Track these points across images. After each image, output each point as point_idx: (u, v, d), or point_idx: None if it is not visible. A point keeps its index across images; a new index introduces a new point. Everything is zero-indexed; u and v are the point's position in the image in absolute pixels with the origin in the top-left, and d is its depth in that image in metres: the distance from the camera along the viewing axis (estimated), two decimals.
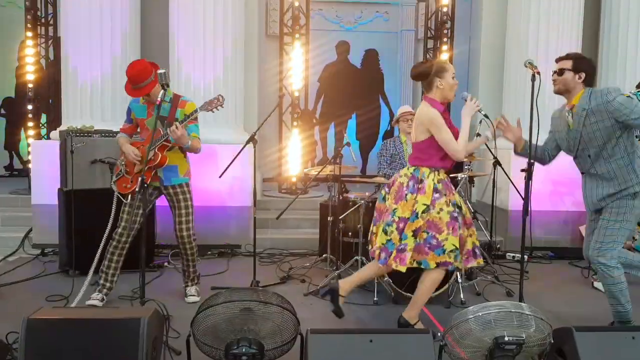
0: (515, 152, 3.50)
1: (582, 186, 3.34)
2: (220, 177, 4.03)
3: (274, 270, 4.73)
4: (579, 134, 3.18)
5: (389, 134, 8.85)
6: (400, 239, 3.12)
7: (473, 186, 4.61)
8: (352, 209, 4.38)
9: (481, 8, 6.56)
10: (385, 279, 3.89)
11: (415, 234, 3.10)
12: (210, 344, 2.44)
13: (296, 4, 6.41)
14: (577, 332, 2.52)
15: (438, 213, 3.10)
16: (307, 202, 6.41)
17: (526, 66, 3.14)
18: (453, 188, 3.27)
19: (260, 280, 4.20)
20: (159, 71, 3.27)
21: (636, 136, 3.40)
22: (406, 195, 3.13)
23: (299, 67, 6.53)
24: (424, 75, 3.19)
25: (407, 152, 4.79)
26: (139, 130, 3.80)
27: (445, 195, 3.14)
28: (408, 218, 3.10)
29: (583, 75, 3.16)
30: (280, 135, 6.90)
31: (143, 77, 3.53)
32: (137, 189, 3.23)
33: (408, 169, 3.24)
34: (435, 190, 3.12)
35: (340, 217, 4.38)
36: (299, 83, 6.57)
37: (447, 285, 3.89)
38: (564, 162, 4.93)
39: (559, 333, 2.56)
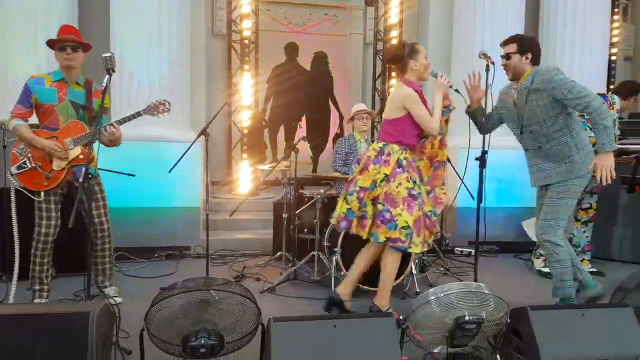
0: (467, 111, 3.62)
1: (527, 163, 3.46)
2: (170, 172, 3.88)
3: (227, 271, 4.61)
4: (522, 111, 3.30)
5: (339, 136, 8.87)
6: (360, 207, 3.22)
7: None
8: (307, 205, 4.34)
9: (428, 11, 6.71)
10: (343, 272, 3.87)
11: (373, 202, 3.21)
12: (166, 339, 2.33)
13: (244, 2, 6.33)
14: (532, 311, 2.58)
15: (397, 187, 3.17)
16: (259, 203, 6.33)
17: (480, 57, 3.22)
18: (416, 170, 3.34)
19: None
20: (105, 54, 2.92)
21: (581, 115, 3.58)
22: (370, 166, 3.23)
23: (248, 81, 6.42)
24: (397, 58, 3.32)
25: (361, 150, 4.82)
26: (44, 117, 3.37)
27: (407, 172, 3.22)
28: (368, 187, 3.21)
29: (529, 55, 3.29)
30: (229, 137, 6.77)
31: (79, 36, 3.35)
32: (80, 182, 2.93)
33: (377, 143, 3.32)
34: (399, 164, 3.21)
35: (296, 213, 4.33)
36: (248, 91, 6.45)
37: (402, 277, 3.93)
38: (507, 159, 5.13)
39: (515, 313, 2.61)
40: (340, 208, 3.32)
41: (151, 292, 3.68)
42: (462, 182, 4.98)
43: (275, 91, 8.52)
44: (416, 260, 4.17)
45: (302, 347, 2.27)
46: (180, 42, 5.28)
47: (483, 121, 3.50)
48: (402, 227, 3.13)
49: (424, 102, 3.29)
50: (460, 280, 4.33)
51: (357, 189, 3.24)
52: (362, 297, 3.67)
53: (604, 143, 3.06)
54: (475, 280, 3.30)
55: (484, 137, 3.25)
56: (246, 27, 6.31)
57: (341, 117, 8.86)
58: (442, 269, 4.68)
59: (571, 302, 3.28)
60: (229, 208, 6.24)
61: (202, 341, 2.23)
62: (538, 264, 4.82)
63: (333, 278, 3.91)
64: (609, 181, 3.03)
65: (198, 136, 3.92)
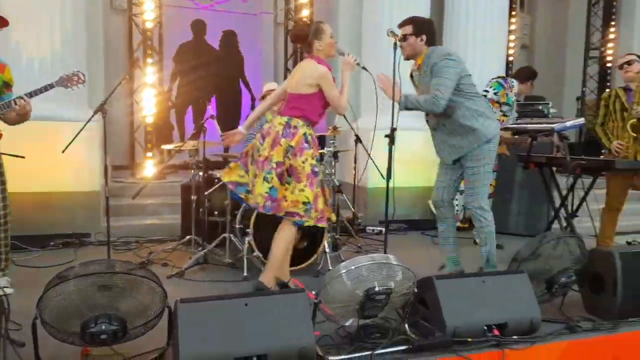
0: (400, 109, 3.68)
1: (436, 141, 3.60)
2: (63, 152, 3.57)
3: (131, 258, 4.36)
4: (422, 91, 3.42)
5: None
6: (281, 184, 3.20)
7: (337, 161, 4.70)
8: (217, 186, 4.22)
9: None
10: (255, 253, 3.81)
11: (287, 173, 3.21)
12: (63, 327, 2.15)
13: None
14: (437, 280, 2.68)
15: (303, 162, 3.18)
16: (166, 187, 6.07)
17: (389, 35, 3.26)
18: (317, 146, 3.36)
19: None
20: None
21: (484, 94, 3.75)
22: (281, 140, 3.19)
23: (151, 58, 6.09)
24: (302, 38, 3.30)
25: None
26: None
27: (312, 148, 3.24)
28: (282, 162, 3.19)
29: (424, 37, 3.42)
30: (132, 118, 6.42)
31: None
32: None
33: (281, 117, 3.27)
34: (306, 140, 3.21)
35: (205, 195, 4.20)
36: (151, 69, 6.12)
37: (315, 256, 3.94)
38: (415, 141, 5.30)
39: (421, 284, 2.70)
40: (262, 187, 3.18)
41: (46, 282, 3.43)
42: (370, 158, 5.08)
43: (182, 70, 8.20)
44: (329, 239, 4.20)
45: (212, 328, 2.19)
46: (74, 15, 4.88)
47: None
48: (303, 202, 3.15)
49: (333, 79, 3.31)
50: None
51: (274, 165, 3.18)
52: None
53: (408, 99, 3.33)
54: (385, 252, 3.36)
55: (392, 116, 3.29)
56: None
57: (253, 99, 8.70)
58: (354, 247, 4.75)
59: (494, 268, 3.47)
60: (132, 193, 5.94)
61: (103, 327, 2.09)
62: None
63: (245, 260, 3.84)
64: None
65: (95, 113, 3.63)
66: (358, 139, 5.01)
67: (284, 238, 3.28)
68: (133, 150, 6.50)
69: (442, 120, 3.45)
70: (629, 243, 4.80)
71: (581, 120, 4.05)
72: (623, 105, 4.09)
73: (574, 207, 4.22)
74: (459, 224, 5.77)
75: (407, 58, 3.48)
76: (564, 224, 4.23)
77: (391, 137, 3.21)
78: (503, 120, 4.72)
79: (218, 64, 8.33)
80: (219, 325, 2.21)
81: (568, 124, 3.88)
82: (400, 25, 3.49)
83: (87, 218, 4.95)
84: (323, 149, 4.72)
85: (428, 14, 5.98)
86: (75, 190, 4.88)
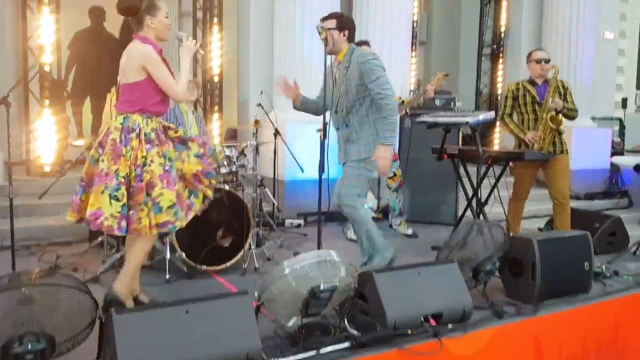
0: (295, 107, 3.70)
1: (338, 140, 3.60)
2: None
3: (36, 263, 3.99)
4: (340, 88, 3.44)
5: None
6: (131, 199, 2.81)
7: (258, 155, 4.60)
8: None
9: None
10: (178, 253, 3.63)
11: (147, 191, 2.80)
12: None
13: None
14: (377, 273, 2.71)
15: (149, 166, 2.81)
16: (68, 185, 5.55)
17: (318, 29, 3.24)
18: (166, 139, 2.96)
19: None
20: None
21: None
22: (122, 150, 2.80)
23: (49, 32, 5.58)
24: (133, 10, 2.86)
25: (189, 121, 4.56)
26: None
27: (157, 145, 2.87)
28: (128, 175, 2.79)
29: (347, 32, 3.45)
30: (26, 112, 5.83)
31: None
32: None
33: (117, 119, 2.88)
34: (147, 139, 2.84)
35: None
36: (49, 53, 5.59)
37: (240, 254, 3.84)
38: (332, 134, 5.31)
39: (360, 278, 2.71)
40: (112, 208, 2.74)
41: None
42: (291, 153, 5.06)
43: (78, 58, 7.59)
44: (253, 235, 4.11)
45: (152, 339, 2.04)
46: None
47: (312, 108, 3.68)
48: (168, 207, 2.81)
49: (165, 61, 2.93)
50: (296, 252, 4.39)
51: (122, 180, 2.77)
52: (203, 277, 3.49)
53: (385, 136, 3.34)
54: (319, 247, 3.33)
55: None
56: None
57: None
58: (277, 241, 4.69)
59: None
60: (28, 191, 5.42)
61: (29, 346, 1.86)
62: (350, 234, 5.13)
63: (167, 261, 3.64)
64: (386, 174, 3.32)
65: None
66: (277, 132, 4.94)
67: (144, 248, 2.99)
68: (28, 143, 5.91)
69: (349, 121, 3.47)
70: (540, 229, 5.13)
71: (492, 113, 4.28)
72: (534, 98, 4.35)
73: (485, 196, 4.46)
74: (374, 214, 5.92)
75: (330, 52, 3.46)
76: (476, 212, 4.46)
77: (324, 131, 3.17)
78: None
79: (118, 53, 7.79)
80: (159, 335, 2.07)
81: (481, 117, 4.09)
82: (324, 19, 3.49)
83: None
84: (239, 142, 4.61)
85: (338, 7, 6.04)
86: None
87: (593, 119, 8.07)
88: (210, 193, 3.11)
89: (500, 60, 8.82)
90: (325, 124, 3.18)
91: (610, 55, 9.46)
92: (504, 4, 8.69)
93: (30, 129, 5.84)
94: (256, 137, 4.51)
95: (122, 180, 2.77)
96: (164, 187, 2.81)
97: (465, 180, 4.60)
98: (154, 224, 2.80)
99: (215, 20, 6.61)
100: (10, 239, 3.46)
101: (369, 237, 3.50)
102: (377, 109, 3.39)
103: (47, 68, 5.61)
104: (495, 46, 8.89)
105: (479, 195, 4.28)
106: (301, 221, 5.58)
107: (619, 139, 9.32)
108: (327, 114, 3.28)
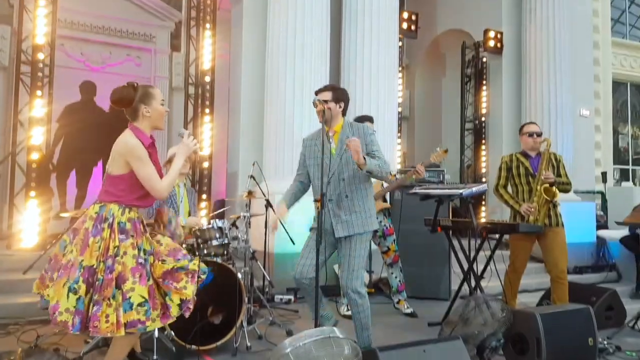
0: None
1: (322, 213, 3.25)
2: None
3: (15, 343, 3.75)
4: (339, 159, 3.39)
5: None
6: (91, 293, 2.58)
7: (249, 228, 4.52)
8: None
9: (240, 59, 6.78)
10: (166, 332, 3.44)
11: (117, 284, 2.58)
12: None
13: (39, 32, 5.58)
14: (381, 352, 2.59)
15: (122, 257, 2.62)
16: (45, 260, 5.40)
17: (315, 104, 3.29)
18: (143, 231, 2.79)
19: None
20: None
21: None
22: (89, 240, 2.62)
23: (40, 118, 5.61)
24: (127, 101, 2.77)
25: (180, 195, 4.51)
26: None
27: (132, 236, 2.69)
28: (93, 266, 2.58)
29: (342, 104, 3.48)
30: (12, 185, 5.74)
31: None
32: None
33: (94, 207, 2.75)
34: (122, 230, 2.67)
35: None
36: (39, 129, 5.58)
37: (232, 332, 3.67)
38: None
39: (364, 357, 2.58)
40: (68, 302, 2.52)
41: None
42: (283, 225, 4.98)
43: (67, 132, 7.61)
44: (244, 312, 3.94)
45: None
46: None
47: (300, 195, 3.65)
48: (139, 305, 2.58)
49: (153, 155, 2.82)
50: (288, 330, 4.22)
51: (84, 271, 2.56)
52: (192, 357, 3.31)
53: (372, 162, 3.27)
54: (316, 326, 3.19)
55: (321, 181, 3.24)
56: (40, 59, 5.53)
57: None
58: (267, 319, 4.51)
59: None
60: (8, 267, 5.25)
61: None
62: (343, 310, 4.99)
63: (155, 340, 3.44)
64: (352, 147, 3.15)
65: None
66: (268, 203, 4.89)
67: (122, 346, 2.74)
68: (11, 217, 5.77)
69: (348, 192, 3.38)
70: (540, 303, 4.98)
71: (484, 185, 4.32)
72: (527, 170, 4.41)
73: (481, 270, 4.41)
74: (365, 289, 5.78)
75: (326, 124, 3.42)
76: (473, 286, 4.38)
77: (321, 202, 3.11)
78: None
79: (107, 127, 7.85)
80: None
81: (474, 189, 4.12)
82: (320, 91, 3.51)
83: None
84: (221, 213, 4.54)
85: (328, 82, 6.22)
86: None
87: (576, 192, 8.22)
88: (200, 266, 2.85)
89: (483, 136, 9.08)
90: (322, 194, 3.12)
91: (588, 131, 9.82)
92: (483, 88, 9.06)
93: (14, 203, 5.73)
94: (249, 209, 4.44)
95: (83, 271, 2.56)
96: (136, 281, 2.59)
97: (459, 253, 4.55)
98: (122, 322, 2.53)
99: (207, 95, 6.73)
100: None
101: (366, 329, 3.35)
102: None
103: (35, 141, 5.59)
104: (477, 122, 9.18)
105: (476, 268, 4.22)
106: (291, 297, 5.41)
107: (602, 213, 9.47)
108: (325, 184, 3.22)
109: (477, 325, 3.02)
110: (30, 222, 5.56)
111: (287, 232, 4.92)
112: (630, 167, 13.06)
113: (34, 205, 5.58)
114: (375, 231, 4.85)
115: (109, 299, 2.54)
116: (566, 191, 4.50)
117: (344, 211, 3.38)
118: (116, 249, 2.61)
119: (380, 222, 4.94)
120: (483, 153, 9.04)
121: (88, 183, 7.89)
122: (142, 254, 2.68)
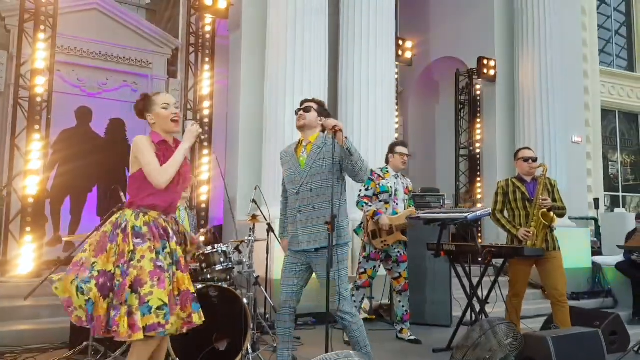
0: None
1: (293, 226, 3.35)
2: None
3: None
4: (308, 169, 3.31)
5: None
6: (104, 297, 2.58)
7: (253, 252, 4.47)
8: None
9: (239, 83, 6.82)
10: (172, 358, 3.37)
11: (132, 288, 2.58)
12: None
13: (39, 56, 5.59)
14: None
15: (139, 262, 2.62)
16: (46, 286, 5.29)
17: (322, 123, 3.27)
18: (164, 234, 2.76)
19: None
20: None
21: None
22: (107, 246, 2.67)
23: (37, 143, 5.58)
24: (138, 112, 2.94)
25: (181, 217, 4.48)
26: None
27: (149, 240, 2.69)
28: (111, 271, 2.61)
29: (322, 119, 3.37)
30: (7, 208, 5.66)
31: None
32: None
33: (116, 214, 2.83)
34: (137, 234, 2.67)
35: None
36: (36, 154, 5.54)
37: (238, 358, 3.60)
38: None
39: None
40: (77, 300, 2.55)
41: None
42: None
43: (62, 157, 7.54)
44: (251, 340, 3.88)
45: None
46: None
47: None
48: (158, 308, 2.57)
49: (165, 153, 2.81)
50: (294, 358, 4.14)
51: (95, 274, 2.59)
52: None
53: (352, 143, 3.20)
54: (327, 351, 3.13)
55: (332, 202, 3.18)
56: (39, 83, 5.53)
57: None
58: (270, 345, 4.43)
59: None
60: (3, 294, 5.12)
61: None
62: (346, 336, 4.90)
63: None
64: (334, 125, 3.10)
65: None
66: (270, 228, 4.85)
67: (140, 353, 2.64)
68: (7, 243, 5.67)
69: (316, 203, 3.28)
70: (547, 327, 4.90)
71: (489, 209, 4.33)
72: (524, 195, 4.43)
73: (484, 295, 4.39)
74: (366, 315, 5.71)
75: (300, 127, 3.41)
76: (478, 311, 4.36)
77: (332, 224, 3.07)
78: (387, 208, 4.80)
79: (102, 152, 7.82)
80: None
81: (479, 213, 4.14)
82: (306, 101, 3.47)
83: None
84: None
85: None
86: None
87: (570, 218, 8.29)
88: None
89: (478, 162, 9.16)
90: (333, 217, 3.07)
91: (580, 158, 9.95)
92: (478, 115, 9.19)
93: (9, 230, 5.64)
94: (253, 233, 4.40)
95: (96, 274, 2.58)
96: (154, 284, 2.58)
97: (462, 279, 4.53)
98: (140, 326, 2.51)
99: (206, 121, 6.75)
100: None
101: (365, 345, 3.25)
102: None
103: (34, 166, 5.54)
104: (471, 148, 9.27)
105: (482, 294, 4.21)
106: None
107: (595, 239, 9.53)
108: (336, 206, 3.16)
109: (488, 350, 2.99)
110: (26, 249, 5.47)
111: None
112: (620, 194, 13.23)
113: (29, 232, 5.49)
114: (390, 256, 4.88)
115: (123, 304, 2.55)
116: (561, 216, 4.54)
117: (311, 222, 3.28)
118: (131, 253, 2.62)
119: (395, 248, 4.87)
120: (478, 179, 9.11)
121: (82, 209, 7.79)
122: (161, 257, 2.67)
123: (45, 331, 4.56)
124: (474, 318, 4.55)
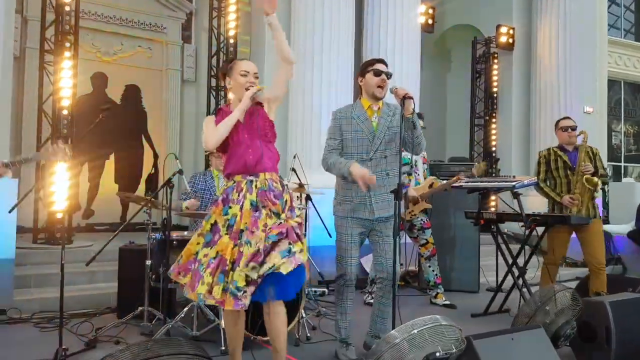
0: None
1: (358, 196, 3.28)
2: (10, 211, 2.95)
3: (70, 336, 3.65)
4: (382, 135, 3.29)
5: (153, 176, 8.11)
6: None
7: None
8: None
9: (264, 52, 6.70)
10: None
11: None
12: None
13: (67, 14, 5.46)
14: (475, 340, 2.60)
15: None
16: (77, 253, 5.30)
17: (392, 91, 3.23)
18: (236, 199, 2.72)
19: (67, 347, 3.18)
20: None
21: None
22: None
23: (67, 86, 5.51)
24: (222, 76, 2.99)
25: (219, 186, 4.47)
26: None
27: (214, 204, 2.81)
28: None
29: (395, 87, 3.25)
30: (37, 171, 5.59)
31: None
32: None
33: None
34: (223, 199, 2.76)
35: (164, 261, 3.70)
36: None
37: (293, 323, 3.66)
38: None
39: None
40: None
41: None
42: (323, 223, 4.97)
43: (78, 124, 7.42)
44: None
45: None
46: None
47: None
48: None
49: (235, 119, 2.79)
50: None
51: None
52: (257, 348, 3.28)
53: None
54: (395, 317, 3.18)
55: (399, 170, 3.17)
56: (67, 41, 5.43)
57: (156, 156, 8.16)
58: (311, 312, 4.50)
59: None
60: (39, 260, 5.15)
61: None
62: (367, 298, 5.02)
63: (222, 330, 3.41)
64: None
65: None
66: (308, 197, 4.87)
67: (285, 321, 2.83)
68: (37, 210, 5.63)
69: (390, 170, 3.30)
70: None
71: (535, 179, 4.38)
72: (566, 163, 4.48)
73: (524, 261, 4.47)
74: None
75: (380, 97, 3.32)
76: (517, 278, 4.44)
77: (398, 192, 3.06)
78: (410, 179, 4.93)
79: (118, 118, 7.72)
80: None
81: (525, 182, 4.17)
82: (383, 64, 3.37)
83: None
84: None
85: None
86: None
87: None
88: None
89: (494, 120, 9.13)
90: (399, 185, 3.02)
91: (590, 128, 9.98)
92: (494, 84, 9.14)
93: (41, 195, 5.59)
94: (302, 202, 4.41)
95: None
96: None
97: (489, 246, 4.60)
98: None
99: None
100: (59, 311, 3.18)
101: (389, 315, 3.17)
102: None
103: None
104: (487, 117, 9.23)
105: (525, 259, 4.28)
106: (325, 289, 5.41)
107: (603, 208, 9.68)
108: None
109: (550, 314, 3.07)
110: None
111: (325, 226, 4.93)
112: (622, 164, 13.39)
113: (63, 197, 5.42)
114: (414, 224, 4.98)
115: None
116: (604, 183, 4.60)
117: (381, 190, 3.27)
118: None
119: (418, 217, 4.98)
120: (493, 148, 9.14)
121: (100, 176, 7.74)
122: (221, 217, 2.71)
123: (83, 297, 4.61)
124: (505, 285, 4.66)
